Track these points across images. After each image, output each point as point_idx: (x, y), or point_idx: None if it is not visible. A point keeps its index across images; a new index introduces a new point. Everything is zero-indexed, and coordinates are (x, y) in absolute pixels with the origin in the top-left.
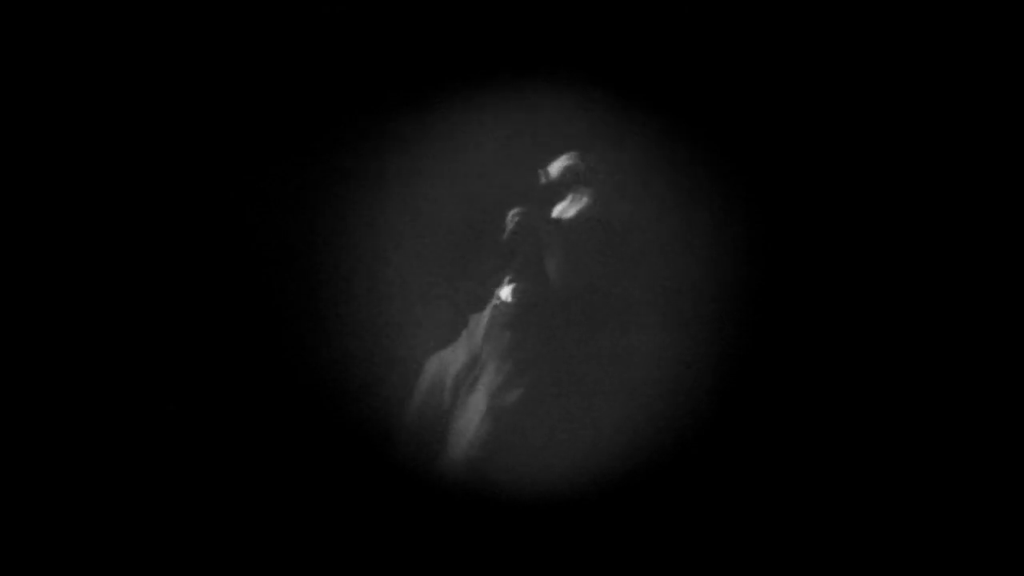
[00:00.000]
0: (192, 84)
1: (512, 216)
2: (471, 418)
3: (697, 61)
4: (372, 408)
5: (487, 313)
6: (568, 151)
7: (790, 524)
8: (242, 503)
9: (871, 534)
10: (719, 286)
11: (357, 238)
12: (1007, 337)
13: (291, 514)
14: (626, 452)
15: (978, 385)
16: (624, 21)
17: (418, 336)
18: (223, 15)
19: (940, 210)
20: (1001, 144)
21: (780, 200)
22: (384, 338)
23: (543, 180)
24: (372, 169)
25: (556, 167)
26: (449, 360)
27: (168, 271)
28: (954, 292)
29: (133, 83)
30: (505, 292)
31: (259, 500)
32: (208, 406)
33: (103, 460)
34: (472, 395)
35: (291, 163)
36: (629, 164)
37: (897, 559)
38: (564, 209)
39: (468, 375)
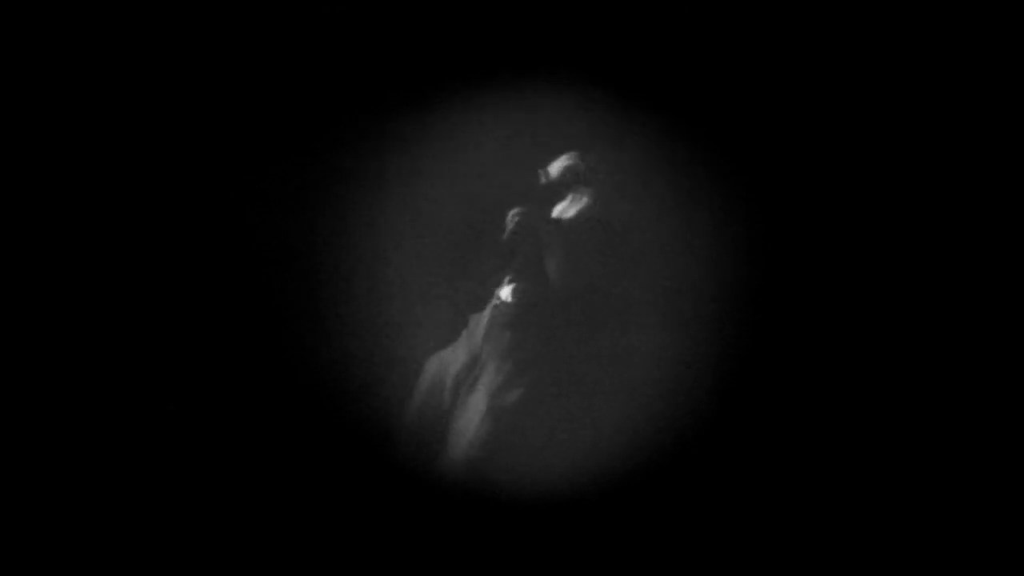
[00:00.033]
0: (192, 84)
1: (512, 216)
2: (471, 418)
3: (697, 61)
4: (372, 408)
5: (487, 313)
6: (568, 151)
7: (790, 524)
8: (242, 503)
9: (871, 534)
10: (719, 286)
11: (357, 238)
12: (1007, 337)
13: (291, 514)
14: (626, 452)
15: (978, 385)
16: (624, 21)
17: (418, 336)
18: (223, 15)
19: (940, 210)
20: (1001, 144)
21: (780, 200)
22: (384, 338)
23: (543, 180)
24: (372, 169)
25: (556, 167)
26: (449, 360)
27: (168, 271)
28: (954, 292)
29: (133, 83)
30: (505, 292)
31: (259, 500)
32: (208, 406)
33: (103, 460)
34: (472, 395)
35: (291, 163)
36: (629, 164)
37: (897, 559)
38: (564, 209)
39: (468, 375)
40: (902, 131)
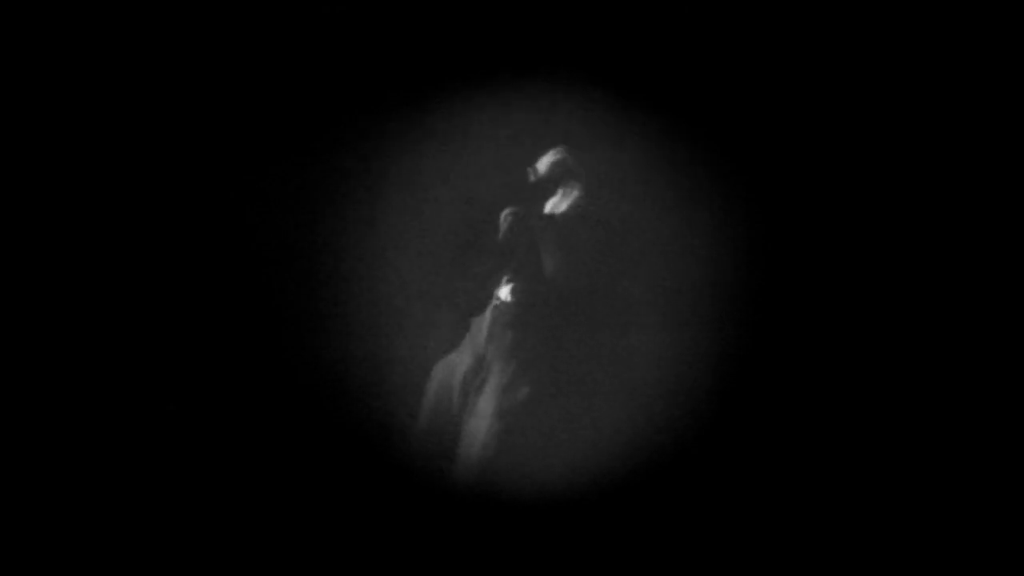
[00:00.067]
0: (193, 85)
1: (505, 216)
2: (481, 419)
3: (697, 61)
4: (372, 408)
5: (488, 314)
6: (555, 147)
7: (790, 524)
8: (242, 503)
9: (871, 533)
10: (719, 286)
11: (357, 238)
12: (1006, 337)
13: (291, 513)
14: (626, 451)
15: (977, 384)
16: (624, 21)
17: (418, 336)
18: (223, 16)
19: (939, 210)
20: (1001, 144)
21: (780, 200)
22: (384, 338)
23: (532, 178)
24: (372, 169)
25: (544, 163)
26: (455, 365)
27: (169, 271)
28: (953, 292)
29: (134, 84)
30: (504, 292)
31: (259, 500)
32: (208, 406)
33: (104, 459)
34: (480, 397)
35: (291, 163)
36: (616, 157)
37: (897, 559)
38: (556, 204)
39: (475, 378)
40: (902, 131)
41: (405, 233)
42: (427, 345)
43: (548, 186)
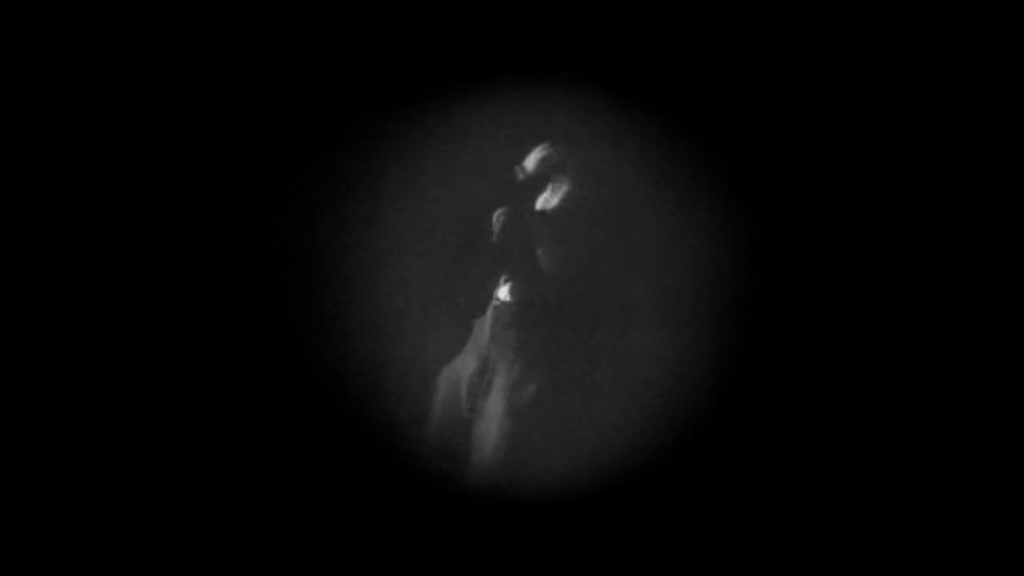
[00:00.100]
0: (193, 85)
1: (498, 216)
2: (491, 421)
3: (697, 61)
4: (372, 408)
5: (489, 316)
6: (541, 144)
7: (790, 524)
8: (242, 504)
9: (871, 533)
10: (719, 286)
11: (357, 238)
12: (1006, 337)
13: (291, 514)
14: (627, 450)
15: (977, 384)
16: (624, 21)
17: (418, 336)
18: (223, 15)
19: (939, 210)
20: (1000, 144)
21: (780, 200)
22: (384, 338)
23: (521, 176)
24: (372, 169)
25: (531, 160)
26: (460, 369)
27: (169, 271)
28: (953, 292)
29: (134, 84)
30: (503, 292)
31: (259, 500)
32: (208, 406)
33: (104, 459)
34: (488, 399)
35: (291, 163)
36: (604, 149)
37: (897, 558)
38: (547, 199)
39: (481, 380)
40: (902, 131)
41: (405, 233)
42: (427, 345)
43: (537, 183)
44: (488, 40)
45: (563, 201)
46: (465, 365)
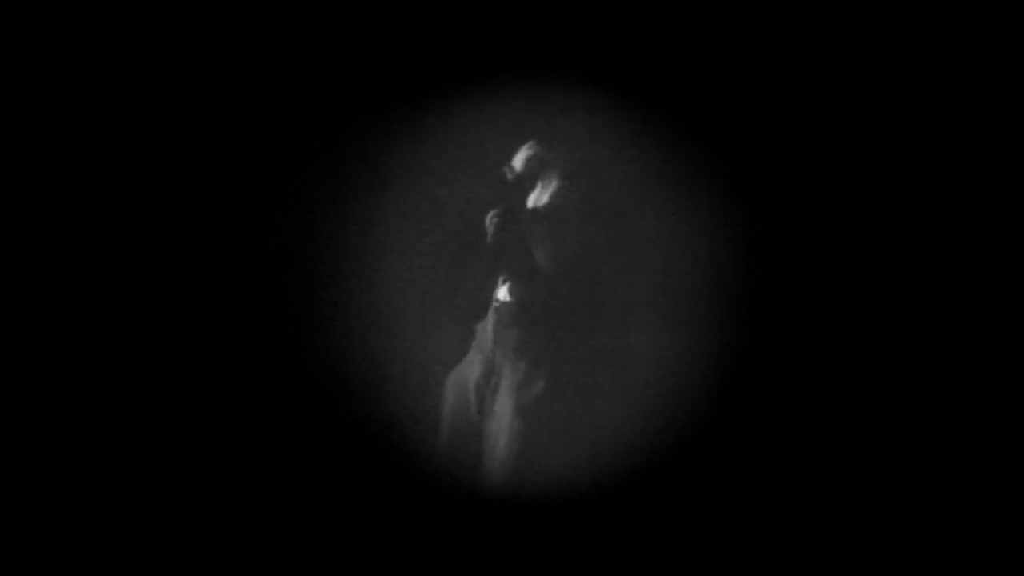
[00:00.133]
0: (193, 85)
1: (491, 218)
2: (502, 421)
3: (697, 61)
4: (372, 408)
5: (491, 317)
6: (528, 143)
7: (790, 523)
8: (243, 504)
9: (870, 533)
10: (719, 286)
11: (357, 238)
12: (1005, 337)
13: (291, 514)
14: (627, 450)
15: (976, 384)
16: (624, 21)
17: (419, 336)
18: (223, 15)
19: (939, 210)
20: (1000, 144)
21: (780, 200)
22: (384, 338)
23: (509, 176)
24: (372, 169)
25: (519, 160)
26: (467, 374)
27: (169, 271)
28: (953, 292)
29: (134, 84)
30: (503, 292)
31: (260, 500)
32: (208, 406)
33: (104, 459)
34: (497, 399)
35: (291, 163)
36: (593, 147)
37: (897, 559)
38: (537, 197)
39: (488, 382)
40: (901, 131)
41: (405, 233)
42: (427, 345)
43: (527, 181)
44: (488, 40)
45: (553, 197)
46: (471, 369)
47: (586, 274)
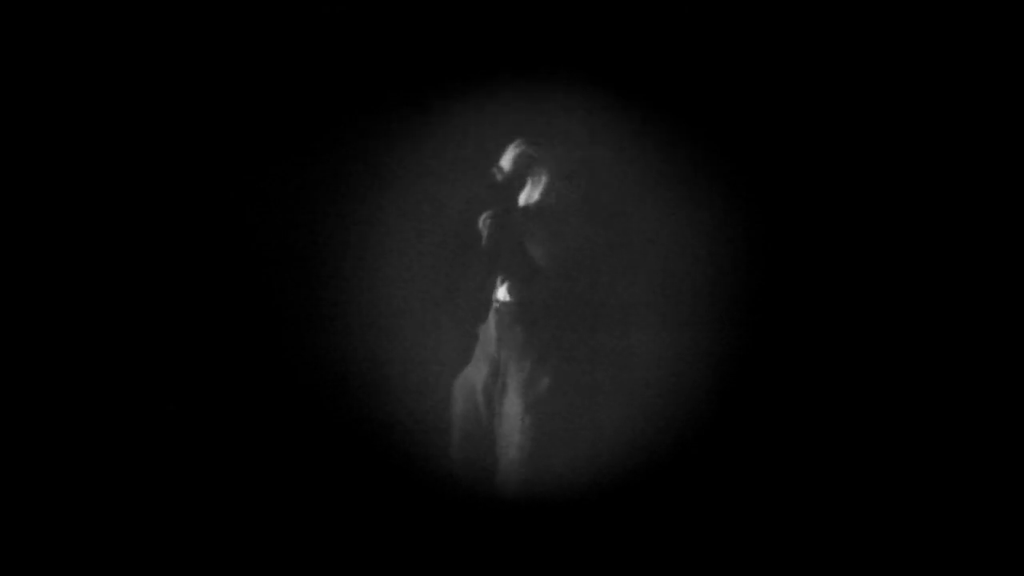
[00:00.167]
0: (193, 85)
1: (484, 220)
2: (512, 420)
3: (697, 61)
4: (372, 408)
5: (492, 318)
6: (515, 142)
7: (790, 523)
8: (243, 504)
9: (871, 533)
10: (719, 286)
11: (357, 238)
12: (1005, 336)
13: (292, 514)
14: (627, 450)
15: (976, 384)
16: (624, 21)
17: (419, 336)
18: (223, 16)
19: (939, 210)
20: (1000, 144)
21: (780, 200)
22: (384, 338)
23: (499, 177)
24: (372, 169)
25: (507, 159)
26: (473, 378)
27: (169, 271)
28: (952, 292)
29: (134, 84)
30: (502, 292)
31: (260, 500)
32: (208, 406)
33: (104, 459)
34: (505, 399)
35: (291, 163)
36: (587, 146)
37: (897, 559)
38: (528, 194)
39: (495, 383)
40: (901, 131)
41: (405, 233)
42: (428, 345)
43: (517, 180)
44: (488, 40)
45: (544, 194)
46: (477, 372)
47: (586, 274)
